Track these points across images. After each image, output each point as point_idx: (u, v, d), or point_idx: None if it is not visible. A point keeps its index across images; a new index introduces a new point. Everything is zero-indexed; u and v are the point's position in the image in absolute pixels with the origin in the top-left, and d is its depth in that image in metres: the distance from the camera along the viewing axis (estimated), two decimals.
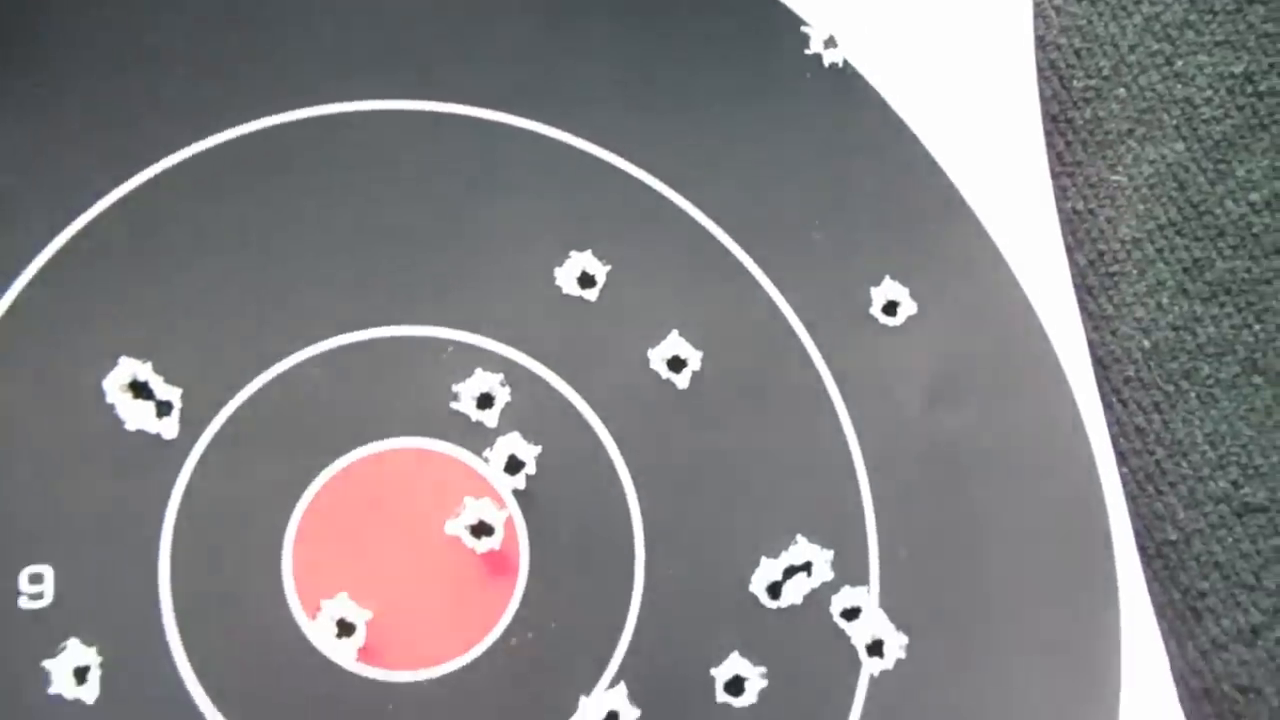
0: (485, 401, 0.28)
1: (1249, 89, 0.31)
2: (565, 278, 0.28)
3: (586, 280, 0.28)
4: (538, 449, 0.27)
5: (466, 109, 0.28)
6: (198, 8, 0.28)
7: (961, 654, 0.27)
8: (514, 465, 0.27)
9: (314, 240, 0.28)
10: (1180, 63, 0.31)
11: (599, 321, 0.28)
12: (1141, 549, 0.29)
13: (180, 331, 0.27)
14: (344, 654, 0.26)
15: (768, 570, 0.27)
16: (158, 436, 0.27)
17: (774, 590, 0.27)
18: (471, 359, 0.28)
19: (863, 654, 0.27)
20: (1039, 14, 0.31)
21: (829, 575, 0.27)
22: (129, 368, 0.27)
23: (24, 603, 0.26)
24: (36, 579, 0.26)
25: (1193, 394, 0.30)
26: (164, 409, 0.27)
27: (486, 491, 0.27)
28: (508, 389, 0.28)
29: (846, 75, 0.30)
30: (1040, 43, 0.31)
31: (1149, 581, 0.28)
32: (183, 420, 0.27)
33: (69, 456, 0.26)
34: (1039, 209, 0.30)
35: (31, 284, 0.27)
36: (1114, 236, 0.31)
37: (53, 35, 0.28)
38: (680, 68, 0.29)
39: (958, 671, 0.27)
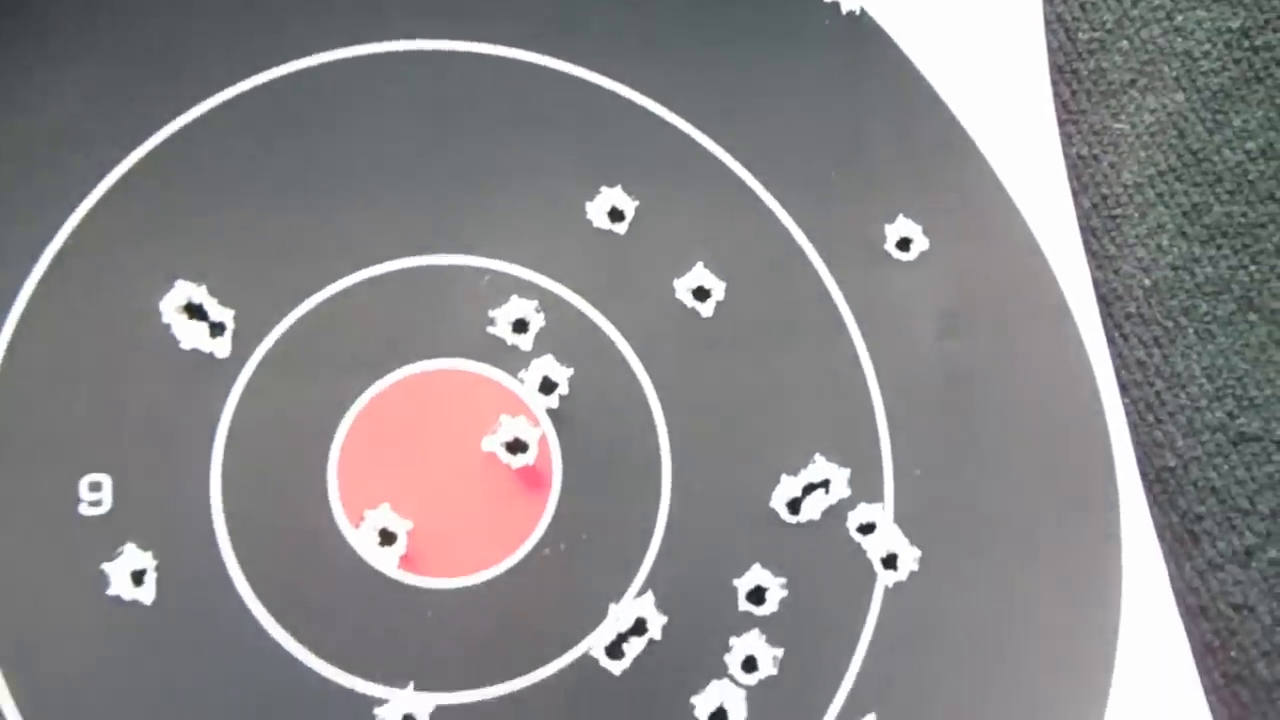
0: (520, 326, 0.29)
1: (1245, 43, 0.33)
2: (596, 212, 0.30)
3: (616, 214, 0.30)
4: (570, 371, 0.29)
5: (505, 50, 0.30)
6: None
7: (972, 568, 0.29)
8: (547, 386, 0.29)
9: (360, 173, 0.29)
10: (1180, 17, 0.33)
11: (628, 253, 0.30)
12: (1142, 475, 0.30)
13: (233, 257, 0.28)
14: (386, 561, 0.28)
15: (787, 487, 0.29)
16: (211, 355, 0.28)
17: (794, 506, 0.29)
18: (507, 286, 0.29)
19: (878, 567, 0.29)
20: None
21: (846, 493, 0.29)
22: (184, 290, 0.28)
23: (84, 509, 0.27)
24: (95, 487, 0.27)
25: (1191, 330, 0.31)
26: (217, 329, 0.28)
27: (521, 410, 0.29)
28: (541, 315, 0.29)
29: (864, 23, 0.32)
30: None
31: (1149, 505, 0.30)
32: (235, 340, 0.28)
33: (128, 373, 0.28)
34: (1046, 154, 0.32)
35: (93, 210, 0.28)
36: (1117, 181, 0.32)
37: None
38: (706, 14, 0.31)
39: (968, 584, 0.29)
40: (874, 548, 0.29)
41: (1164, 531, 0.30)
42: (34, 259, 0.28)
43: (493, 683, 0.27)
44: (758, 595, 0.28)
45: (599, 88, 0.30)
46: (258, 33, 0.30)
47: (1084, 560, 0.29)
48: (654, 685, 0.27)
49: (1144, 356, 0.31)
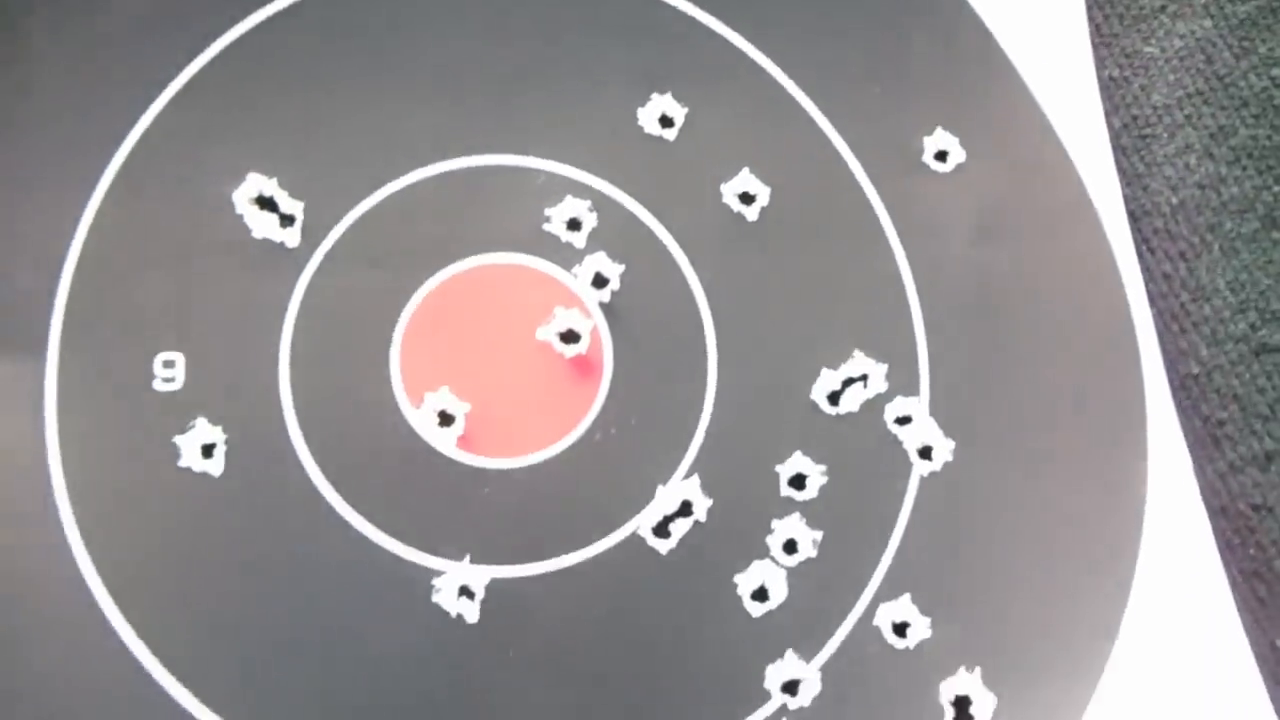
0: (574, 225, 0.30)
1: None
2: (647, 118, 0.31)
3: (666, 121, 0.31)
4: (621, 267, 0.30)
5: None
6: None
7: (1003, 460, 0.30)
8: (600, 281, 0.30)
9: (424, 75, 0.30)
10: None
11: (677, 158, 0.31)
12: (1167, 381, 0.31)
13: (303, 152, 0.30)
14: (445, 441, 0.29)
15: (827, 380, 0.30)
16: (281, 245, 0.29)
17: (833, 398, 0.30)
18: (562, 187, 0.31)
19: (914, 457, 0.30)
20: None
21: (883, 387, 0.30)
22: (256, 182, 0.30)
23: (158, 385, 0.28)
24: (169, 364, 0.29)
25: (1216, 246, 0.33)
26: (287, 220, 0.30)
27: (575, 303, 0.30)
28: (594, 214, 0.30)
29: None
30: None
31: (1175, 411, 0.31)
32: (304, 231, 0.30)
33: (202, 259, 0.29)
34: (1079, 75, 0.33)
35: (170, 104, 0.30)
36: (1146, 103, 0.33)
37: None
38: None
39: (1000, 475, 0.30)
40: (910, 439, 0.30)
41: (1187, 435, 0.31)
42: (114, 150, 0.29)
43: (545, 558, 0.28)
44: (799, 481, 0.29)
45: None
46: None
47: (1110, 456, 0.30)
48: (699, 564, 0.29)
49: (1170, 270, 0.33)
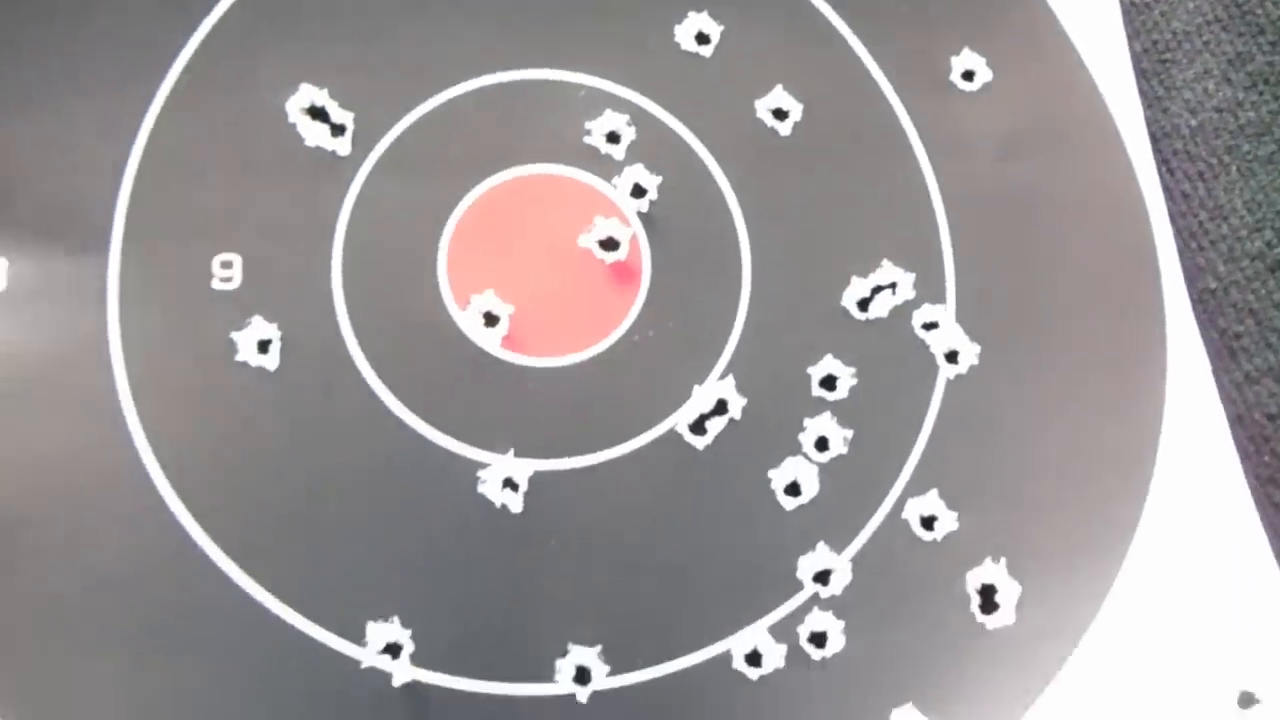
0: (613, 138, 0.31)
1: None
2: (684, 35, 0.32)
3: (702, 38, 0.32)
4: (659, 179, 0.31)
5: None
6: None
7: (1027, 364, 0.31)
8: (638, 191, 0.31)
9: None
10: None
11: (713, 74, 0.32)
12: (1187, 296, 0.32)
13: (354, 64, 0.31)
14: (490, 341, 0.30)
15: (857, 288, 0.31)
16: (333, 153, 0.31)
17: (863, 305, 0.31)
18: (602, 101, 0.32)
19: (940, 360, 0.31)
20: None
21: (911, 294, 0.31)
22: (308, 93, 0.31)
23: (216, 284, 0.30)
24: (227, 265, 0.30)
25: (1234, 167, 0.34)
26: (338, 130, 0.31)
27: (614, 212, 0.31)
28: (633, 128, 0.32)
29: None
30: None
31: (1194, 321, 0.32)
32: (354, 140, 0.31)
33: (257, 166, 0.30)
34: (1103, 1, 0.34)
35: (226, 16, 0.31)
36: (1167, 28, 0.34)
37: None
38: None
39: (1023, 378, 0.31)
40: (937, 343, 0.31)
41: (1205, 347, 0.32)
42: (172, 60, 0.30)
43: (586, 453, 0.30)
44: (830, 382, 0.30)
45: None
46: None
47: (1130, 362, 0.31)
48: (733, 460, 0.30)
49: (1189, 189, 0.34)
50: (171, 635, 0.27)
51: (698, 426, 0.30)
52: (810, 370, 0.30)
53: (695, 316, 0.31)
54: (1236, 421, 0.32)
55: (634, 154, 0.31)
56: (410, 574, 0.28)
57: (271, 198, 0.30)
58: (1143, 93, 0.34)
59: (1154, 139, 0.34)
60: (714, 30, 0.32)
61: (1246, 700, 0.28)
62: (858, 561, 0.29)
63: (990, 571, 0.29)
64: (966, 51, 0.33)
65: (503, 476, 0.29)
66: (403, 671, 0.28)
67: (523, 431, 0.29)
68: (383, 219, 0.30)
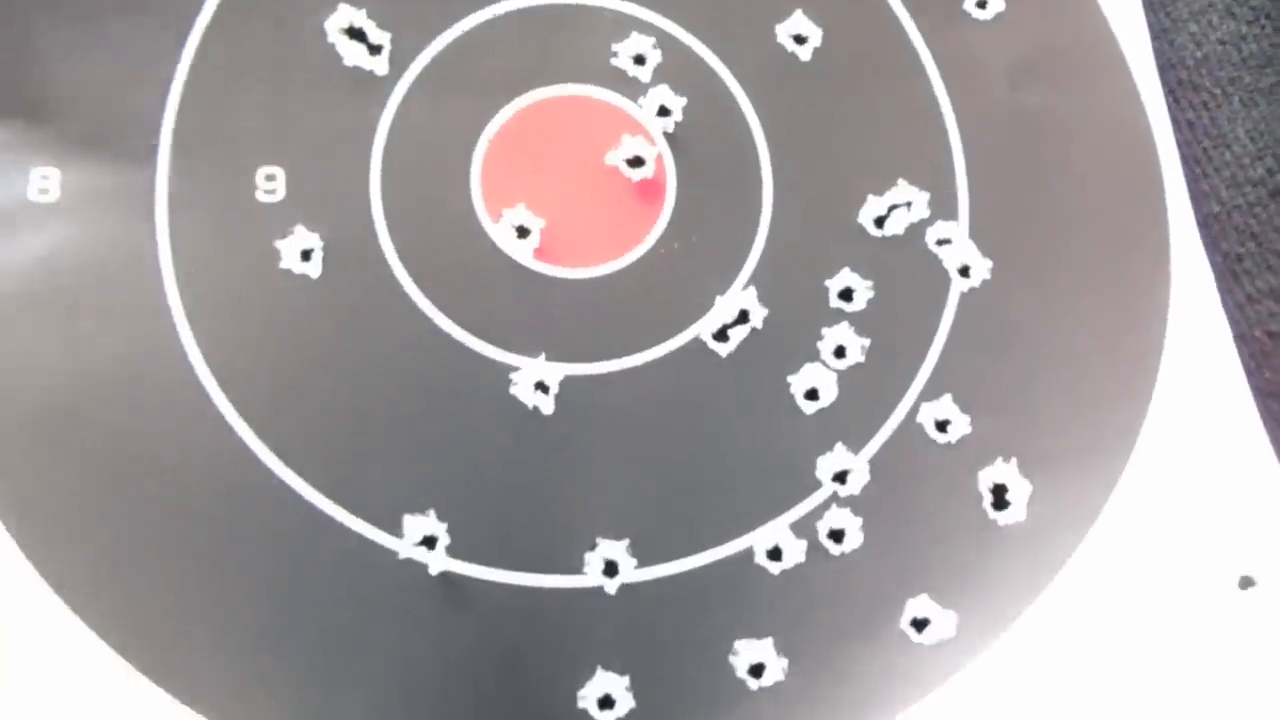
0: (639, 60, 0.33)
1: None
2: None
3: None
4: (683, 100, 0.33)
5: None
6: None
7: (1037, 279, 0.32)
8: (664, 111, 0.32)
9: None
10: None
11: None
12: (1193, 219, 0.34)
13: None
14: (522, 252, 0.31)
15: (873, 206, 0.32)
16: (371, 73, 0.32)
17: (879, 222, 0.32)
18: (628, 24, 0.33)
19: (954, 275, 0.32)
20: None
21: (925, 212, 0.32)
22: (346, 13, 0.32)
23: (260, 196, 0.31)
24: (271, 178, 0.31)
25: (1236, 97, 0.35)
26: (375, 50, 0.32)
27: (640, 131, 0.32)
28: (659, 51, 0.33)
29: None
30: None
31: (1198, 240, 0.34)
32: (391, 60, 0.32)
33: (298, 83, 0.32)
34: None
35: None
36: None
37: None
38: None
39: (1033, 292, 0.32)
40: (950, 258, 0.32)
41: (1210, 269, 0.34)
42: None
43: (614, 358, 0.31)
44: (847, 294, 0.32)
45: None
46: None
47: (1136, 279, 0.33)
48: (755, 367, 0.31)
49: (1193, 118, 0.35)
50: (216, 526, 0.29)
51: (721, 335, 0.31)
52: (828, 283, 0.32)
53: (718, 231, 0.32)
54: (1239, 339, 0.33)
55: (659, 76, 0.33)
56: (446, 470, 0.30)
57: (312, 114, 0.31)
58: (1150, 25, 0.35)
59: (1161, 70, 0.35)
60: None
61: (1245, 583, 0.30)
62: (875, 462, 0.31)
63: (1001, 471, 0.31)
64: None
65: (534, 380, 0.30)
66: (438, 562, 0.29)
67: (553, 338, 0.31)
68: (418, 136, 0.32)
